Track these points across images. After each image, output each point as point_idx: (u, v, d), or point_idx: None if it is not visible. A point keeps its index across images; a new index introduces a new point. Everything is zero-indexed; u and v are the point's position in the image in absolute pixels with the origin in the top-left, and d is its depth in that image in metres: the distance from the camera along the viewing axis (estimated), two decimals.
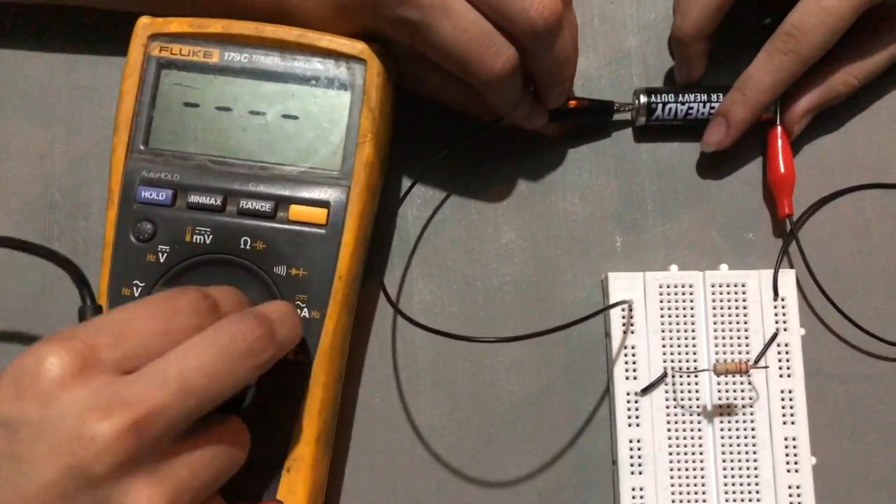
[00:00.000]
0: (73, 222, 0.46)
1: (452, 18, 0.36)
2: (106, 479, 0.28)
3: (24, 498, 0.28)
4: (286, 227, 0.39)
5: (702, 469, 0.42)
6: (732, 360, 0.42)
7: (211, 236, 0.39)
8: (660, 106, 0.45)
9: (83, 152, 0.47)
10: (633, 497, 0.42)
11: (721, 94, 0.45)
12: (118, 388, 0.29)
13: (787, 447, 0.42)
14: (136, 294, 0.39)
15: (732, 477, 0.42)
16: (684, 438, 0.42)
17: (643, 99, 0.45)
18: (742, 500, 0.42)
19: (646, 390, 0.43)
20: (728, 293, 0.44)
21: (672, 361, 0.43)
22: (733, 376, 0.43)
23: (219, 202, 0.39)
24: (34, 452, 0.28)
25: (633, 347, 0.43)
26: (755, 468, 0.42)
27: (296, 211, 0.39)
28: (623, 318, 0.43)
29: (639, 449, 0.42)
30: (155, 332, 0.31)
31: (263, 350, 0.33)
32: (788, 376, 0.43)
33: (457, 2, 0.36)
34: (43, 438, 0.28)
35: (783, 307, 0.44)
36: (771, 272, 0.44)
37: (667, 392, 0.43)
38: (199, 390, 0.30)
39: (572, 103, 0.45)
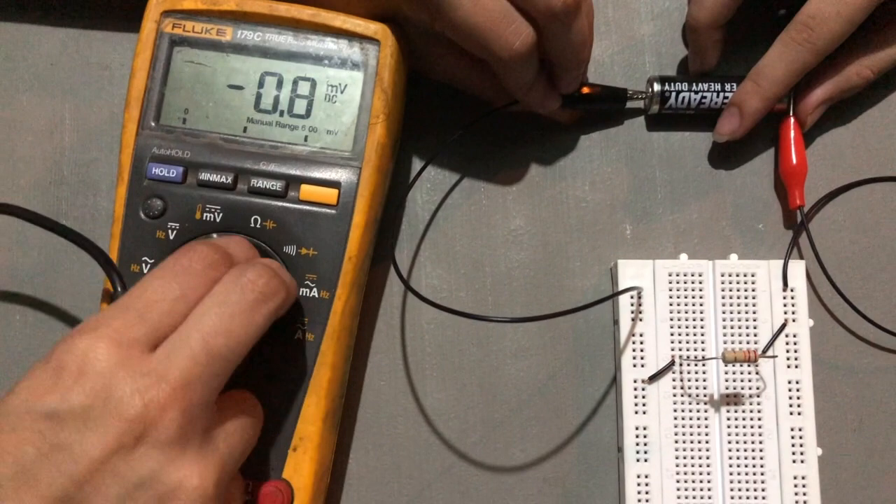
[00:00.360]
0: (81, 198, 0.46)
1: None
2: (155, 452, 0.29)
3: (77, 482, 0.29)
4: (297, 206, 0.39)
5: (707, 458, 0.42)
6: (741, 349, 0.42)
7: (221, 214, 0.39)
8: (673, 94, 0.45)
9: (93, 129, 0.46)
10: (639, 484, 0.42)
11: (735, 85, 0.45)
12: (153, 365, 0.30)
13: (793, 437, 0.42)
14: (146, 270, 0.39)
15: (738, 466, 0.42)
16: (691, 427, 0.42)
17: (657, 87, 0.45)
18: (747, 490, 0.42)
19: (653, 378, 0.43)
20: (737, 283, 0.44)
21: (680, 350, 0.43)
22: (741, 365, 0.43)
23: (229, 180, 0.39)
24: (83, 440, 0.29)
25: (641, 335, 0.43)
26: (761, 458, 0.42)
27: (306, 191, 0.39)
28: (632, 305, 0.43)
29: (645, 436, 0.42)
30: (174, 298, 0.32)
31: (275, 293, 0.34)
32: (796, 367, 0.43)
33: None
34: (90, 425, 0.29)
35: (792, 298, 0.44)
36: (781, 263, 0.44)
37: (674, 380, 0.43)
38: (224, 350, 0.32)
39: (586, 89, 0.44)
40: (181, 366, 0.30)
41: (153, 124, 0.40)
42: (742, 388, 0.43)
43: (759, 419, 0.42)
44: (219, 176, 0.39)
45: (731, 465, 0.42)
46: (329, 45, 0.40)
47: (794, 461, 0.42)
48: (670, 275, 0.44)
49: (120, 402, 0.29)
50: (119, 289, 0.37)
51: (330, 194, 0.39)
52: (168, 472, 0.29)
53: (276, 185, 0.39)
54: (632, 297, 0.43)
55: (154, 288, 0.32)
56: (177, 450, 0.30)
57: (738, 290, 0.44)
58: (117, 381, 0.30)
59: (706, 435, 0.42)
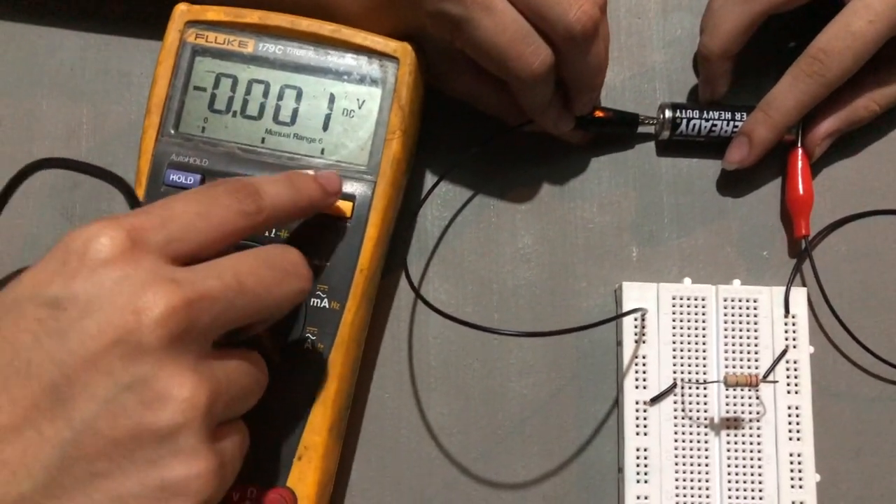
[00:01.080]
0: (96, 203, 0.46)
1: (494, 15, 0.37)
2: (153, 354, 0.28)
3: (67, 374, 0.27)
4: (311, 217, 0.40)
5: (707, 480, 0.43)
6: (743, 374, 0.43)
7: None
8: (684, 121, 0.46)
9: (110, 134, 0.47)
10: None
11: (745, 114, 0.46)
12: (170, 271, 0.29)
13: (791, 463, 0.43)
14: None
15: (737, 490, 0.43)
16: (691, 449, 0.43)
17: (668, 113, 0.46)
18: None
19: (655, 400, 0.43)
20: (740, 308, 0.44)
21: (682, 372, 0.44)
22: (742, 389, 0.43)
23: None
24: (81, 329, 0.28)
25: (644, 357, 0.44)
26: (760, 482, 0.43)
27: None
28: (635, 327, 0.44)
29: (645, 458, 0.43)
30: (196, 213, 0.31)
31: (306, 279, 0.33)
32: (796, 393, 0.43)
33: (499, 0, 0.37)
34: (91, 314, 0.28)
35: (793, 325, 0.44)
36: (783, 289, 0.44)
37: (675, 403, 0.43)
38: (250, 291, 0.31)
39: (599, 113, 0.45)
40: (203, 280, 0.29)
41: (172, 132, 0.41)
42: (742, 413, 0.43)
43: (759, 444, 0.43)
44: None
45: (730, 489, 0.43)
46: (349, 60, 0.41)
47: (792, 486, 0.43)
48: (674, 298, 0.44)
49: (129, 295, 0.28)
50: None
51: (344, 207, 0.40)
52: (160, 378, 0.28)
53: None
54: (636, 319, 0.44)
55: (178, 201, 0.31)
56: (173, 357, 0.28)
57: (740, 316, 0.44)
58: (130, 274, 0.28)
59: (706, 458, 0.43)
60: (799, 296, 0.45)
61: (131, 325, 0.27)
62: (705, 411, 0.43)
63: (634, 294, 0.44)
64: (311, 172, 0.38)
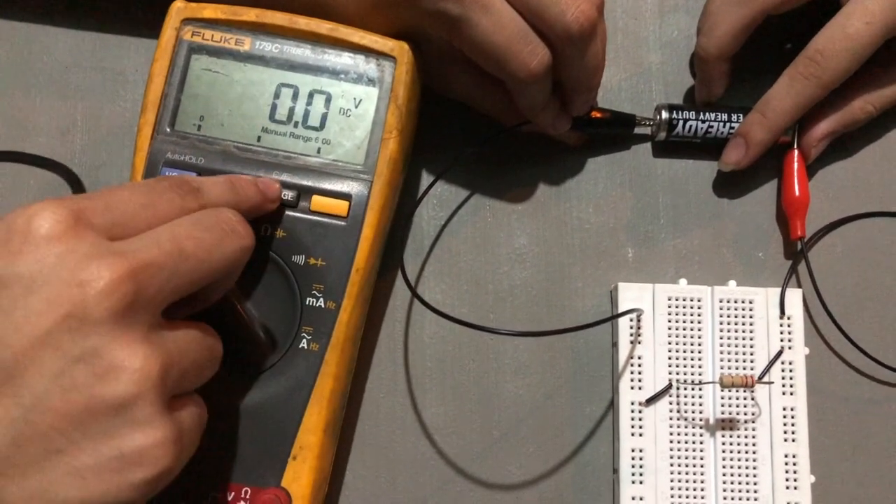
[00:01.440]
0: None
1: (492, 15, 0.37)
2: (102, 326, 0.27)
3: (14, 353, 0.27)
4: (307, 216, 0.40)
5: (702, 481, 0.43)
6: (739, 374, 0.43)
7: None
8: (681, 122, 0.46)
9: (104, 132, 0.47)
10: None
11: (741, 115, 0.46)
12: (112, 245, 0.29)
13: (787, 464, 0.43)
14: None
15: (732, 491, 0.43)
16: (686, 450, 0.43)
17: (665, 115, 0.46)
18: None
19: (650, 401, 0.43)
20: (735, 309, 0.44)
21: (677, 373, 0.44)
22: (737, 390, 0.43)
23: None
24: (26, 306, 0.27)
25: (639, 358, 0.44)
26: (755, 483, 0.43)
27: (317, 202, 0.40)
28: (631, 328, 0.44)
29: (641, 458, 0.43)
30: (140, 204, 0.31)
31: (245, 235, 0.34)
32: (791, 394, 0.44)
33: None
34: (36, 291, 0.27)
35: (789, 326, 0.44)
36: (778, 290, 0.44)
37: (671, 403, 0.43)
38: (191, 255, 0.31)
39: (596, 114, 0.45)
40: (144, 250, 0.29)
41: (168, 130, 0.40)
42: (737, 414, 0.43)
43: (754, 444, 0.43)
44: None
45: (724, 490, 0.43)
46: (346, 59, 0.41)
47: (787, 487, 0.43)
48: (669, 299, 0.44)
49: (73, 269, 0.28)
50: None
51: (340, 206, 0.40)
52: (111, 350, 0.28)
53: (288, 195, 0.40)
54: (631, 320, 0.44)
55: (122, 191, 0.31)
56: (123, 328, 0.28)
57: (735, 317, 0.44)
58: (72, 248, 0.28)
59: (701, 459, 0.43)
60: (794, 297, 0.45)
61: (77, 299, 0.27)
62: (700, 412, 0.43)
63: (630, 295, 0.44)
64: (251, 177, 0.38)
